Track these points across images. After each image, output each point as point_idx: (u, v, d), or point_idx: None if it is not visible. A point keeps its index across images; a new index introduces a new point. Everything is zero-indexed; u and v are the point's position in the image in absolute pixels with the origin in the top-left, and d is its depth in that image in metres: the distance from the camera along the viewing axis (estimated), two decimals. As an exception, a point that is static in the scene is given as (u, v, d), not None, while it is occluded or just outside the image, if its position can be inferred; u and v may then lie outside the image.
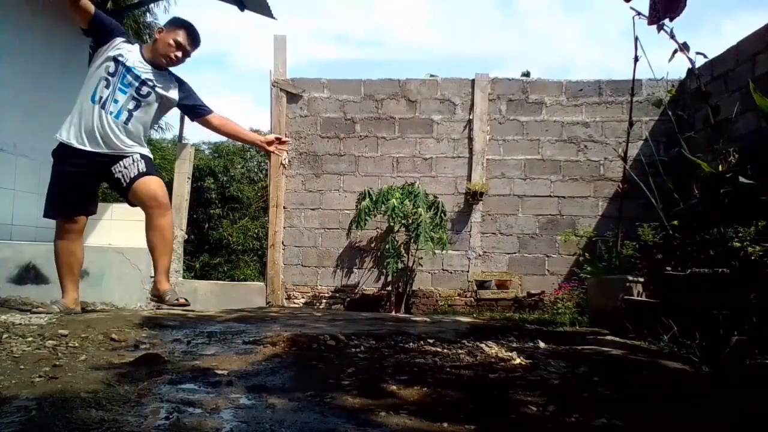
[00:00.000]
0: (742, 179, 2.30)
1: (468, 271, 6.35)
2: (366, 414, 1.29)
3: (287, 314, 3.13)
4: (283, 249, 6.49)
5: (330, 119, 6.55)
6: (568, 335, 2.55)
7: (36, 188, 4.86)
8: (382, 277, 6.40)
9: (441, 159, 6.46)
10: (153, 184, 2.87)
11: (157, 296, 2.96)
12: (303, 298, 6.48)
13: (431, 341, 2.15)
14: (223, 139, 13.73)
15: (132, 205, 2.98)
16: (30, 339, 1.90)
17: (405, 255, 6.03)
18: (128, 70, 2.83)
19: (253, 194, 12.05)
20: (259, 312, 3.17)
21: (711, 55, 4.93)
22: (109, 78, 2.80)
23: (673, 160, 3.27)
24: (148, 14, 10.45)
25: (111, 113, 2.80)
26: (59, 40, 5.16)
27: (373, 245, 6.40)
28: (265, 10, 5.50)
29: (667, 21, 2.37)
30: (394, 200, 5.92)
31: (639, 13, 2.73)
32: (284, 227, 6.51)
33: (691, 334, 2.09)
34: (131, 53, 2.87)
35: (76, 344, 1.89)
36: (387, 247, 6.10)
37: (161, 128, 12.12)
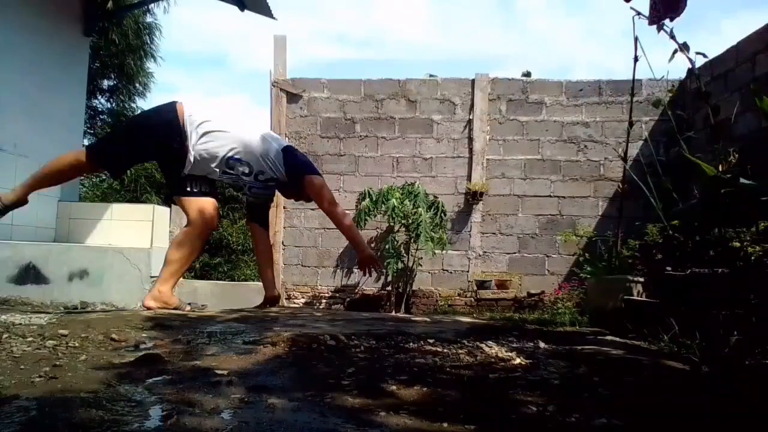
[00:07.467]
0: (742, 180, 2.30)
1: (468, 271, 6.35)
2: (366, 414, 1.29)
3: (287, 314, 3.13)
4: (283, 249, 6.49)
5: (330, 119, 6.56)
6: (568, 335, 2.55)
7: (36, 188, 4.85)
8: (382, 277, 6.40)
9: (441, 159, 6.47)
10: None
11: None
12: (303, 298, 6.48)
13: (431, 341, 2.15)
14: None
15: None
16: (30, 339, 1.90)
17: (405, 255, 6.03)
18: None
19: (253, 194, 12.05)
20: (259, 312, 3.17)
21: (711, 55, 4.94)
22: None
23: (672, 160, 3.27)
24: (148, 14, 10.44)
25: None
26: (59, 40, 5.16)
27: (373, 245, 6.40)
28: (265, 10, 5.50)
29: (667, 21, 2.38)
30: (394, 200, 5.93)
31: (639, 13, 2.73)
32: (284, 227, 6.51)
33: (691, 334, 2.10)
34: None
35: (76, 344, 1.89)
36: (387, 247, 6.10)
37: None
